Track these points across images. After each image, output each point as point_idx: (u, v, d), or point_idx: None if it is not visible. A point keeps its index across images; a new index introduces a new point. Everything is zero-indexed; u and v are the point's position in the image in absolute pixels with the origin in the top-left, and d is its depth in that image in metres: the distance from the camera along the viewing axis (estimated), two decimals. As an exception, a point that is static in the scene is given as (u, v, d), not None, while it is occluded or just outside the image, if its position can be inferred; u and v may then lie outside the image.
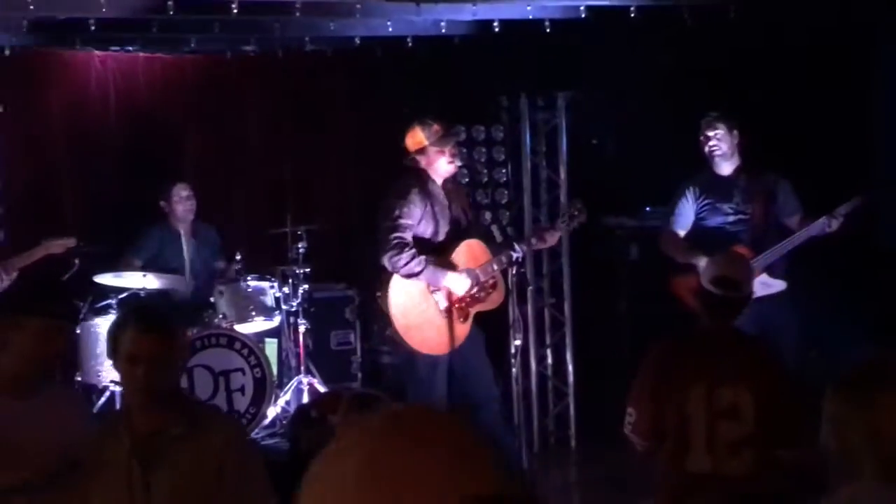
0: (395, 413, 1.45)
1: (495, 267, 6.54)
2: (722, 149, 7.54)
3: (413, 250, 6.49)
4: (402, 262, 6.46)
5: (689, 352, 4.85)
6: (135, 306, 4.17)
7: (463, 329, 6.59)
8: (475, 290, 6.58)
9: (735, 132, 7.56)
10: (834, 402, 2.92)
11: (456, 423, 1.36)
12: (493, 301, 6.61)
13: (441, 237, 6.65)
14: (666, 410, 4.75)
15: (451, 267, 6.57)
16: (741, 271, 5.05)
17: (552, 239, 7.05)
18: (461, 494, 1.26)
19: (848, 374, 2.97)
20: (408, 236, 6.51)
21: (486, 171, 9.06)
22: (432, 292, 6.60)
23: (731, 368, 4.69)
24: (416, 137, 6.70)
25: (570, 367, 9.15)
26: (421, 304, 6.60)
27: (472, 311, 6.61)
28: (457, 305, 6.59)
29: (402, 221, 6.50)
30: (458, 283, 6.53)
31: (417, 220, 6.57)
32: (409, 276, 6.52)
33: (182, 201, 8.74)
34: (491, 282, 6.59)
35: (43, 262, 7.75)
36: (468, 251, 6.62)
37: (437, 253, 6.60)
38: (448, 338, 6.63)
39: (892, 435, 2.83)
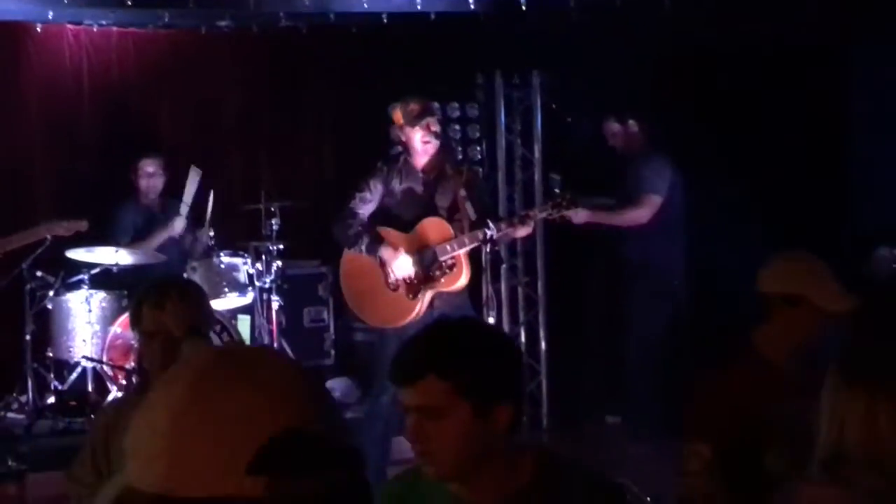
0: (226, 348, 1.58)
1: (455, 247, 6.47)
2: (614, 142, 8.25)
3: (351, 221, 6.54)
4: (337, 231, 6.60)
5: None
6: (154, 282, 4.10)
7: (411, 306, 6.52)
8: (430, 269, 6.53)
9: (631, 123, 8.15)
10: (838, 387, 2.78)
11: (285, 363, 1.46)
12: (450, 283, 6.50)
13: (407, 215, 6.63)
14: None
15: (400, 249, 6.54)
16: None
17: (523, 230, 6.75)
18: (280, 425, 1.34)
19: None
20: (359, 208, 6.57)
21: (460, 148, 9.04)
22: (383, 265, 6.60)
23: None
24: (396, 117, 6.73)
25: (543, 346, 9.16)
26: (369, 275, 6.59)
27: (426, 290, 6.52)
28: (406, 281, 6.57)
29: (358, 194, 6.58)
30: (395, 260, 6.52)
31: (380, 194, 6.60)
32: (344, 245, 6.63)
33: (147, 177, 8.71)
34: (450, 262, 6.53)
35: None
36: (427, 228, 6.57)
37: (400, 229, 6.59)
38: (395, 313, 6.57)
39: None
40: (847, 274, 4.16)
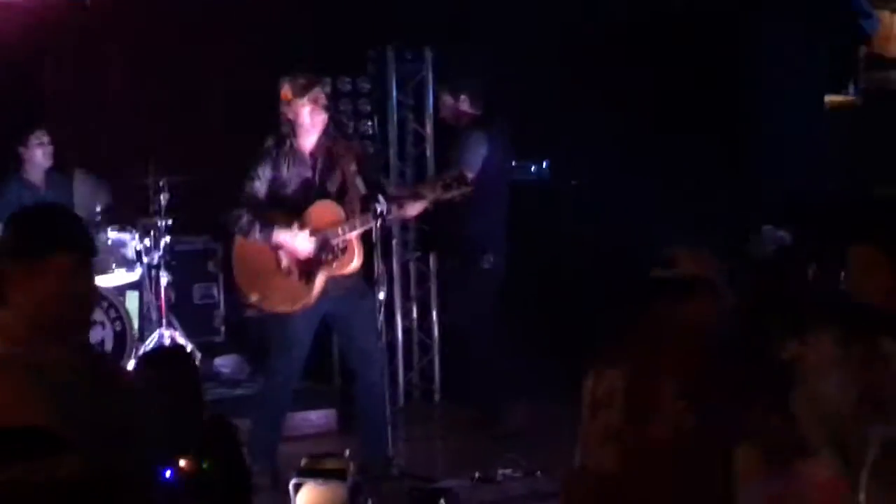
0: None
1: (346, 230, 6.43)
2: (444, 114, 8.20)
3: (240, 211, 6.45)
4: (229, 223, 6.53)
5: None
6: None
7: (305, 291, 6.47)
8: (322, 253, 6.47)
9: (462, 97, 8.04)
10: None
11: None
12: (342, 266, 6.47)
13: (298, 199, 6.53)
14: None
15: (295, 226, 6.45)
16: None
17: (413, 209, 6.65)
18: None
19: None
20: (251, 196, 6.48)
21: (351, 123, 8.97)
22: (274, 248, 6.53)
23: None
24: (284, 91, 6.64)
25: (435, 321, 9.17)
26: (261, 260, 6.52)
27: (319, 273, 6.46)
28: (299, 266, 6.52)
29: (249, 182, 6.49)
30: (295, 239, 6.47)
31: (269, 176, 6.51)
32: (238, 234, 6.54)
33: (41, 147, 8.56)
34: (342, 245, 6.49)
35: None
36: (318, 212, 6.51)
37: (290, 210, 6.51)
38: (289, 298, 6.52)
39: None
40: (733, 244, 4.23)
